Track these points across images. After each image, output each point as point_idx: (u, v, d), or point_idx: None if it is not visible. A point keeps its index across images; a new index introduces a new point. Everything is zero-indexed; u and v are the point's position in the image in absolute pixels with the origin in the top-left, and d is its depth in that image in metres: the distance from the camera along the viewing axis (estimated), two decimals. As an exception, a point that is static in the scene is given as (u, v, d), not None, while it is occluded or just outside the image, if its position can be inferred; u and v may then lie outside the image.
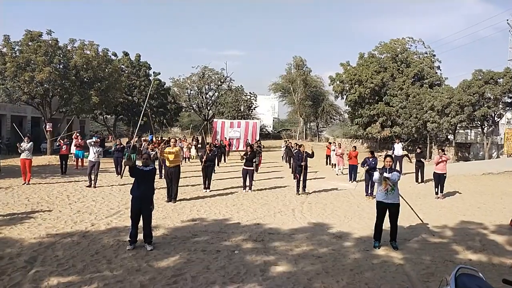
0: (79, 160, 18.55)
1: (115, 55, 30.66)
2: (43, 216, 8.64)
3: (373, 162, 12.18)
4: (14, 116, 25.97)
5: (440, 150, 13.20)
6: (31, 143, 13.04)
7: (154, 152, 14.03)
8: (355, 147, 16.90)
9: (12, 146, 22.54)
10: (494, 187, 14.94)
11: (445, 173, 12.68)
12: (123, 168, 16.10)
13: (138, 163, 7.37)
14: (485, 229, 8.49)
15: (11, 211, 9.01)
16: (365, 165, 12.29)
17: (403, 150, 20.22)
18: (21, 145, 12.87)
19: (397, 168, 16.50)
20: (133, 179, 6.82)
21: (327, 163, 23.12)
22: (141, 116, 10.26)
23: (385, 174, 6.92)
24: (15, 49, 21.31)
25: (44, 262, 5.81)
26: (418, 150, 16.38)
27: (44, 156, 21.71)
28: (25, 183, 12.73)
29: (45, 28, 42.54)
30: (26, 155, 12.79)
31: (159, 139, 23.06)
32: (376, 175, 7.11)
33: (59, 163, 16.56)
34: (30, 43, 21.43)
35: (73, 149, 18.77)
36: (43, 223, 8.00)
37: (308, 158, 12.91)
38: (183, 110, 42.63)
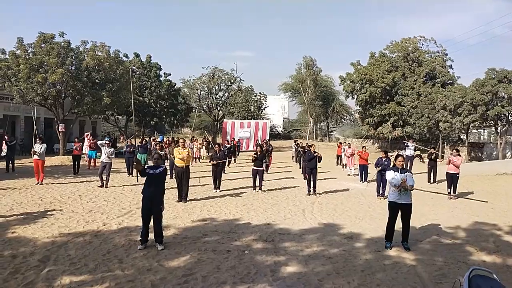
0: (92, 160, 18.75)
1: (126, 56, 30.92)
2: (56, 215, 8.74)
3: (386, 163, 12.08)
4: (27, 117, 26.36)
5: (454, 150, 13.02)
6: (43, 145, 13.15)
7: (163, 152, 14.12)
8: (364, 147, 16.76)
9: (25, 146, 22.91)
10: (508, 187, 14.69)
11: (458, 173, 12.52)
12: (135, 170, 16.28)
13: (150, 163, 7.42)
14: (499, 230, 8.36)
15: (25, 210, 9.14)
16: (379, 166, 12.20)
17: (415, 150, 20.04)
18: (35, 149, 12.99)
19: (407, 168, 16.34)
20: (144, 180, 6.87)
21: (337, 163, 23.02)
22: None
23: (402, 176, 6.80)
24: (29, 51, 21.63)
25: (57, 261, 5.88)
26: (432, 150, 16.20)
27: (57, 156, 22.00)
28: (38, 183, 12.90)
29: (57, 30, 43.27)
30: (39, 156, 12.96)
31: (170, 139, 23.23)
32: (389, 175, 6.98)
33: (72, 163, 16.76)
34: (43, 45, 21.73)
35: (85, 149, 18.98)
36: (56, 223, 8.10)
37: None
38: (193, 110, 42.84)
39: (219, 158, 12.75)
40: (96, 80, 23.39)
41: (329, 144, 41.40)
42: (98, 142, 13.84)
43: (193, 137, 28.20)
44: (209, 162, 12.74)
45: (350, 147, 19.21)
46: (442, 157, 18.29)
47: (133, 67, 32.97)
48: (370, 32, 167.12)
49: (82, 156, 17.80)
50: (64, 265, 5.72)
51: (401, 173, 6.92)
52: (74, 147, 16.66)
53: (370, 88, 31.75)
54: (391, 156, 12.42)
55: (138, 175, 9.43)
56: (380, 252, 6.67)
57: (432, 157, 15.80)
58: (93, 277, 5.30)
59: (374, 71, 32.01)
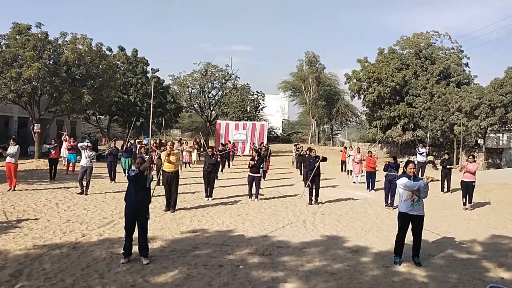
0: (70, 164, 18.68)
1: (109, 50, 30.92)
2: (30, 225, 8.69)
3: (394, 168, 12.13)
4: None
5: (470, 156, 13.10)
6: (17, 146, 13.07)
7: (148, 156, 14.12)
8: (370, 152, 16.80)
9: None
10: (529, 197, 14.76)
11: (474, 182, 12.58)
12: (118, 173, 16.20)
13: (134, 168, 7.41)
14: (519, 244, 8.38)
15: (-5, 219, 9.08)
16: (389, 168, 12.25)
17: (427, 155, 20.15)
18: (8, 151, 12.91)
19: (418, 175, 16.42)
20: (127, 185, 6.85)
21: (342, 170, 23.06)
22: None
23: (417, 183, 6.83)
24: (1, 43, 21.59)
25: (31, 276, 5.84)
26: (446, 156, 16.28)
27: (32, 159, 21.90)
28: (10, 189, 12.83)
29: (34, 21, 43.18)
30: (11, 159, 12.88)
31: (157, 142, 23.18)
32: (402, 181, 6.97)
33: (48, 167, 16.69)
34: (17, 37, 21.72)
35: (63, 152, 18.90)
36: (30, 233, 8.05)
37: (321, 164, 12.90)
38: (184, 110, 42.80)
39: (213, 162, 12.77)
40: (76, 76, 23.36)
41: (333, 149, 41.45)
42: (79, 145, 13.80)
43: (181, 139, 28.19)
44: (204, 168, 12.71)
45: (359, 152, 19.11)
46: (457, 163, 18.37)
47: (117, 62, 32.97)
48: (378, 26, 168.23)
49: (59, 159, 17.73)
50: (39, 280, 5.67)
51: (414, 181, 6.93)
52: (49, 147, 16.51)
53: (378, 87, 31.89)
54: (401, 162, 12.47)
55: (115, 176, 9.31)
56: (389, 268, 6.67)
57: (446, 164, 15.86)
58: (70, 294, 5.27)
59: (382, 69, 32.16)
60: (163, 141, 23.25)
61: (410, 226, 6.94)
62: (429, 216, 7.58)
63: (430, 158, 21.57)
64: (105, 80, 24.31)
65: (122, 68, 33.55)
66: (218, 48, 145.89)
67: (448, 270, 6.65)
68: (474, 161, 12.87)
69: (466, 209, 12.38)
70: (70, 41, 23.35)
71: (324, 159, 13.03)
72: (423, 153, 19.60)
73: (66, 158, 18.66)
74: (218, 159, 13.45)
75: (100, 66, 24.44)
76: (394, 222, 7.25)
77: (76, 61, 22.80)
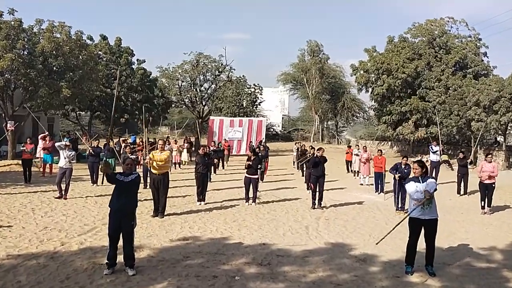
0: (47, 166, 18.63)
1: (90, 39, 30.83)
2: (3, 233, 8.67)
3: (405, 171, 12.15)
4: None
5: (489, 155, 13.14)
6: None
7: (134, 156, 14.13)
8: (380, 151, 16.84)
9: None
10: (554, 200, 14.83)
11: (494, 183, 12.62)
12: (99, 175, 16.19)
13: (119, 169, 7.41)
14: (543, 251, 8.43)
15: (-35, 227, 9.07)
16: (396, 172, 12.28)
17: (441, 154, 20.20)
18: None
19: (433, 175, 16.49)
20: (112, 189, 6.85)
21: (348, 171, 23.11)
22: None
23: (423, 185, 6.86)
24: (-30, 32, 21.50)
25: (4, 289, 5.84)
26: (461, 155, 16.33)
27: (5, 160, 21.85)
28: (-19, 193, 12.81)
29: (6, 7, 42.99)
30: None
31: (144, 140, 23.14)
32: (410, 187, 7.01)
33: (22, 169, 16.65)
34: (-13, 25, 21.62)
35: (39, 152, 18.84)
36: (3, 242, 8.04)
37: (325, 164, 12.96)
38: (173, 105, 42.73)
39: (206, 162, 12.79)
40: (54, 68, 23.29)
41: (338, 147, 41.56)
42: (56, 144, 13.77)
43: (168, 137, 28.15)
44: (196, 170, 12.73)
45: (366, 150, 19.18)
46: (475, 163, 18.42)
47: (99, 52, 32.89)
48: (388, 11, 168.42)
49: (35, 160, 17.67)
50: (13, 293, 5.68)
51: (422, 182, 6.97)
52: (24, 148, 16.43)
53: (388, 79, 31.92)
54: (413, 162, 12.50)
55: (98, 179, 9.27)
56: (400, 278, 6.70)
57: (462, 163, 15.92)
58: (48, 309, 5.27)
59: (392, 59, 32.19)
60: (151, 140, 23.28)
61: (423, 232, 6.97)
62: (444, 221, 7.60)
63: (445, 157, 21.61)
64: (85, 72, 24.23)
65: (104, 59, 33.44)
66: (211, 36, 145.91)
67: (465, 280, 6.69)
68: (493, 161, 12.89)
69: (485, 213, 12.43)
70: (46, 29, 23.26)
71: (324, 160, 13.09)
72: (436, 151, 19.63)
73: (42, 159, 18.61)
74: (216, 160, 13.47)
75: (80, 57, 24.36)
76: (405, 228, 7.28)
77: (54, 52, 22.72)
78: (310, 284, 6.35)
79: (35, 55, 22.45)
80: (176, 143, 24.20)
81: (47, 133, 19.74)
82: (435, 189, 6.97)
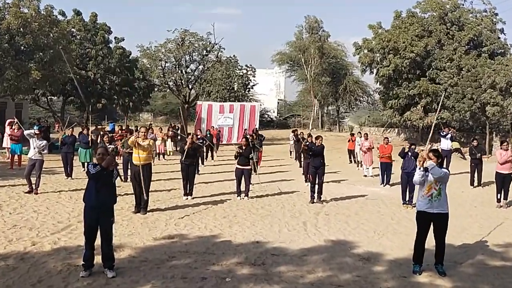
0: (15, 157, 18.52)
1: (62, 14, 30.54)
2: (-33, 232, 8.63)
3: (414, 151, 12.30)
4: None
5: (505, 143, 13.16)
6: None
7: (112, 146, 14.06)
8: (387, 138, 16.88)
9: None
10: None
11: (511, 174, 12.67)
12: (74, 167, 16.14)
13: (94, 161, 7.37)
14: (563, 248, 8.52)
15: None
16: (409, 156, 12.37)
17: (452, 140, 20.12)
18: None
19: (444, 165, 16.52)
20: (86, 182, 6.82)
21: (350, 161, 23.18)
22: None
23: (426, 164, 6.94)
24: None
25: (-31, 293, 5.83)
26: (475, 143, 16.39)
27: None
28: None
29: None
30: None
31: (124, 128, 23.07)
32: (416, 176, 7.10)
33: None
34: None
35: (6, 142, 18.71)
36: (-33, 242, 8.01)
37: (325, 154, 12.98)
38: (156, 89, 42.54)
39: (192, 153, 12.76)
40: (21, 47, 23.07)
41: (340, 135, 41.66)
42: (26, 132, 13.67)
43: (150, 124, 28.06)
44: (181, 159, 12.69)
45: (367, 138, 19.30)
46: (490, 151, 18.49)
47: (72, 30, 32.59)
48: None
49: (1, 151, 17.56)
50: (-21, 299, 5.67)
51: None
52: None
53: (394, 59, 31.95)
54: (421, 150, 12.54)
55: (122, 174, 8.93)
56: (407, 278, 6.75)
57: (477, 152, 15.96)
58: (18, 315, 5.28)
59: (400, 37, 32.18)
60: (131, 128, 23.19)
61: (432, 227, 7.01)
62: (456, 215, 7.64)
63: (456, 144, 21.49)
64: (57, 52, 23.97)
65: (78, 37, 33.18)
66: (197, 10, 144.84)
67: (478, 280, 6.74)
68: (509, 148, 12.87)
69: (501, 206, 12.51)
70: (12, 4, 23.02)
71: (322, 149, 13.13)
72: (446, 135, 19.40)
73: (10, 149, 18.48)
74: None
75: (51, 35, 24.14)
76: (413, 223, 7.33)
77: (21, 29, 22.51)
78: (308, 285, 6.38)
79: (0, 33, 22.19)
80: (161, 131, 24.14)
81: (15, 119, 19.58)
82: (445, 175, 6.96)
